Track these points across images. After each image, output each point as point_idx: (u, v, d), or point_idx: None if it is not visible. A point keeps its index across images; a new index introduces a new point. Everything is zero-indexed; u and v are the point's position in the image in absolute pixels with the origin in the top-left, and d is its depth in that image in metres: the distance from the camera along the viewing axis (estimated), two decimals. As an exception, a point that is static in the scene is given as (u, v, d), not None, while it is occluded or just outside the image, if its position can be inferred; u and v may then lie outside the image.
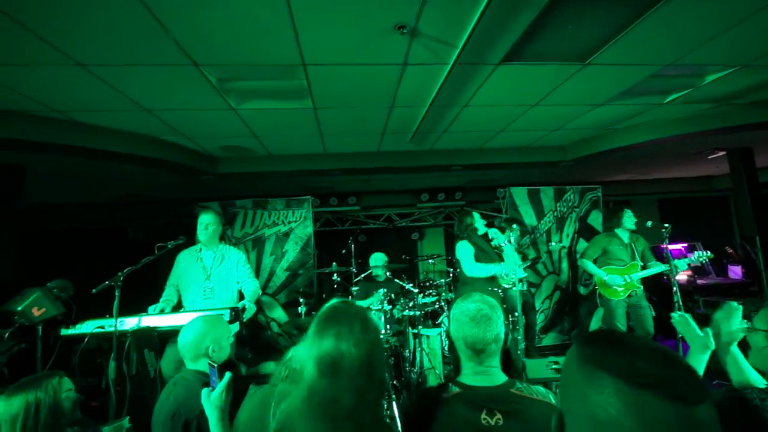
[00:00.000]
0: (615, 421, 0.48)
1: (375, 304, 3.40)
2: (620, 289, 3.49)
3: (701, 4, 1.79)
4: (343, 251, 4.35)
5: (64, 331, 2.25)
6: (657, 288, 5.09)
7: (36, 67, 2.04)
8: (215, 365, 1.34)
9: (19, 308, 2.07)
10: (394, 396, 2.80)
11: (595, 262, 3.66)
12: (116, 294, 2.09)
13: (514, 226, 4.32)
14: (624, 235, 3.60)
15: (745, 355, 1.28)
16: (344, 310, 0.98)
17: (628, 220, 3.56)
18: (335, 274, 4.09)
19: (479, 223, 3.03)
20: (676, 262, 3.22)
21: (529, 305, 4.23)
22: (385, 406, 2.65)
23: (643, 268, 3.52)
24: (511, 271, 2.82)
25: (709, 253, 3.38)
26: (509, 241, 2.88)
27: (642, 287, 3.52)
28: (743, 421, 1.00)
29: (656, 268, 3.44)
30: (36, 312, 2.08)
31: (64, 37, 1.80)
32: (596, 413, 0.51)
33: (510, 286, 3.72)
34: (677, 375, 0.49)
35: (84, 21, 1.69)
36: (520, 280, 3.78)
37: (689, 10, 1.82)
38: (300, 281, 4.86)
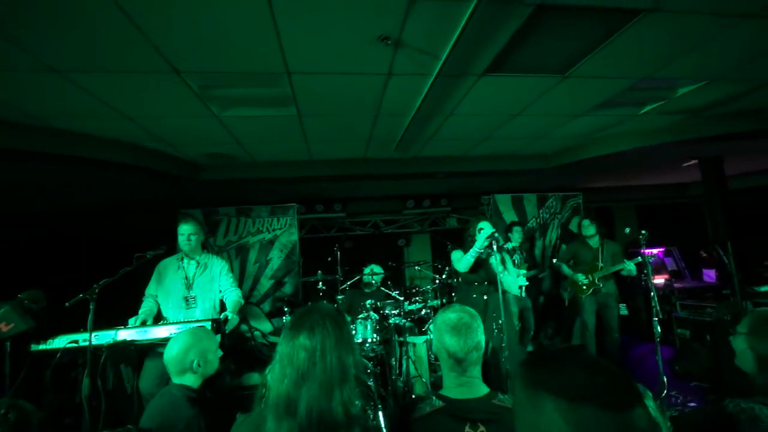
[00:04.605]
0: None
1: (360, 320, 3.36)
2: (585, 286, 3.85)
3: (673, 23, 1.87)
4: (329, 259, 4.31)
5: (35, 347, 2.15)
6: (633, 291, 5.24)
7: (7, 72, 1.97)
8: None
9: (-14, 323, 1.97)
10: (380, 405, 2.77)
11: (574, 265, 4.04)
12: (91, 307, 2.01)
13: (517, 227, 4.43)
14: (592, 241, 3.95)
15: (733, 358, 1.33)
16: (297, 316, 1.03)
17: (584, 229, 3.99)
18: (321, 283, 4.05)
19: (480, 238, 2.79)
20: (626, 262, 3.65)
21: (527, 309, 4.31)
22: (370, 415, 2.62)
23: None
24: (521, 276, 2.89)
25: (655, 253, 3.75)
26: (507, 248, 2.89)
27: (607, 287, 3.84)
28: (722, 431, 1.04)
29: (613, 268, 3.79)
30: (4, 328, 1.98)
31: (38, 41, 1.74)
32: None
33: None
34: (608, 383, 0.51)
35: (58, 26, 1.65)
36: (520, 287, 3.93)
37: (662, 28, 1.90)
38: (285, 290, 4.79)
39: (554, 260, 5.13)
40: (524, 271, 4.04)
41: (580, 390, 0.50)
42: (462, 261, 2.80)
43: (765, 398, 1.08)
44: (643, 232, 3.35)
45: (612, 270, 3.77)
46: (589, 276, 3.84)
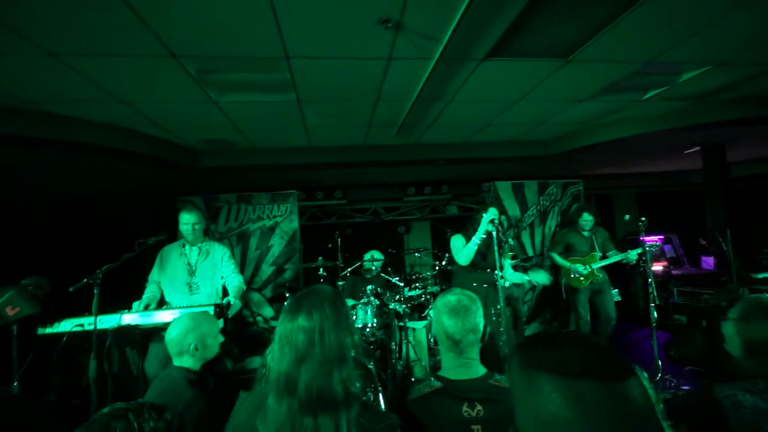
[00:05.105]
0: (557, 417, 0.49)
1: (360, 305, 3.40)
2: (582, 278, 3.77)
3: (678, 4, 1.83)
4: (330, 245, 4.34)
5: (41, 330, 2.19)
6: (632, 278, 5.28)
7: (4, 57, 1.94)
8: None
9: (-8, 308, 2.00)
10: (380, 387, 2.84)
11: (565, 254, 3.96)
12: (95, 292, 2.04)
13: (503, 216, 4.43)
14: (585, 231, 3.90)
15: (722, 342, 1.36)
16: (295, 299, 1.03)
17: (584, 222, 3.87)
18: (321, 269, 4.09)
19: (483, 222, 2.84)
20: (629, 252, 3.58)
21: (514, 298, 4.33)
22: (371, 396, 2.69)
23: (603, 258, 3.80)
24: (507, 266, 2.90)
25: (658, 243, 3.69)
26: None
27: (603, 275, 3.81)
28: (713, 418, 1.07)
29: (613, 258, 3.73)
30: (10, 311, 2.01)
31: (35, 26, 1.72)
32: (540, 415, 0.51)
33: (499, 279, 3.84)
34: (601, 357, 0.51)
35: (55, 10, 1.62)
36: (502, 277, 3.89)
37: (668, 9, 1.87)
38: (286, 276, 4.84)
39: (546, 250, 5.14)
40: (509, 260, 4.03)
41: (574, 366, 0.50)
42: (464, 252, 2.76)
43: (748, 384, 1.11)
44: (643, 219, 3.38)
45: (614, 260, 3.71)
46: (587, 266, 3.78)
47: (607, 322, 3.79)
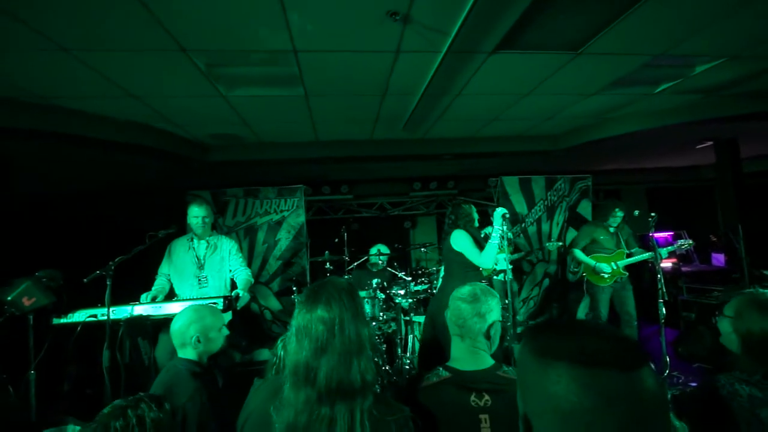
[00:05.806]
0: (579, 407, 0.48)
1: (367, 299, 3.43)
2: (607, 275, 3.61)
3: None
4: (336, 240, 4.36)
5: (56, 321, 2.24)
6: (642, 274, 5.23)
7: (17, 51, 1.97)
8: None
9: (9, 298, 2.04)
10: (386, 381, 2.86)
11: (583, 250, 3.79)
12: (108, 283, 2.08)
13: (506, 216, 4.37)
14: (611, 227, 3.74)
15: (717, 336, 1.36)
16: (312, 290, 1.03)
17: (614, 220, 3.69)
18: (328, 263, 4.11)
19: (476, 215, 2.91)
20: (660, 250, 3.38)
21: (512, 292, 4.32)
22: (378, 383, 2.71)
23: (629, 255, 3.64)
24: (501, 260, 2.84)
25: (690, 241, 3.56)
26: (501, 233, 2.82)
27: (627, 273, 3.66)
28: (712, 407, 1.07)
29: (641, 255, 3.58)
30: (26, 302, 2.06)
31: (47, 21, 1.74)
32: (560, 405, 0.49)
33: (493, 275, 3.81)
34: (619, 346, 0.51)
35: (67, 4, 1.64)
36: (503, 271, 3.84)
37: (679, 2, 1.83)
38: (293, 270, 4.88)
39: (549, 243, 5.05)
40: (506, 255, 3.95)
41: (596, 355, 0.49)
42: (487, 253, 2.58)
43: (743, 375, 1.12)
44: (653, 214, 3.33)
45: (641, 258, 3.56)
46: (612, 264, 3.59)
47: (629, 321, 3.64)
